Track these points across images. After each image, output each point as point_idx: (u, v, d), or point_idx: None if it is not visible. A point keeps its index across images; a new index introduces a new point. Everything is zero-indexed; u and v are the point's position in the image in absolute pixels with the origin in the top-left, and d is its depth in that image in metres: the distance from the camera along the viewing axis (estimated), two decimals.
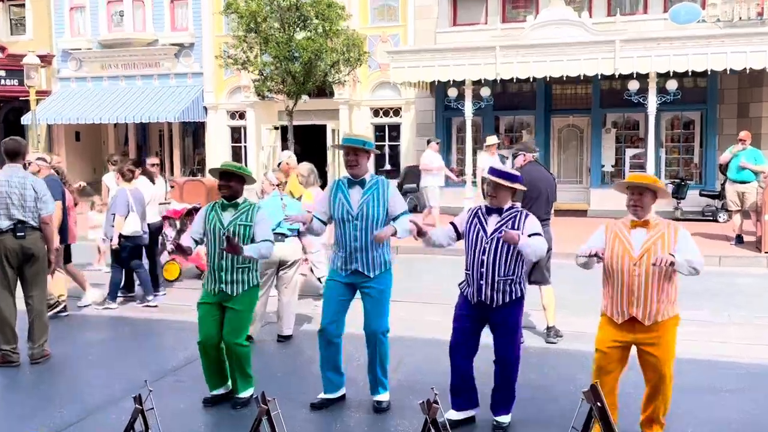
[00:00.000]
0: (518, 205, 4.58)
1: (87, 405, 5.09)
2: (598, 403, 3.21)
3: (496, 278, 4.40)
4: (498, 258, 4.39)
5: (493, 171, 4.50)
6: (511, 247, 4.35)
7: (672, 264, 3.91)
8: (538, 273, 6.53)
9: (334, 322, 4.88)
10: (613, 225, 4.21)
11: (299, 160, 8.74)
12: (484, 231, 4.43)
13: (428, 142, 14.38)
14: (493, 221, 4.44)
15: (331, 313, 4.88)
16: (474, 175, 14.73)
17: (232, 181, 4.96)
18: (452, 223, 4.68)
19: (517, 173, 4.60)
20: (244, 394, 5.10)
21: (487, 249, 4.39)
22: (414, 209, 16.06)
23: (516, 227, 4.37)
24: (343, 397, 5.10)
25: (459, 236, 4.63)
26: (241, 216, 4.96)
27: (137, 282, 8.49)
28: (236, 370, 5.08)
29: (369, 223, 4.74)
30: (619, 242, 4.09)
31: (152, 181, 8.86)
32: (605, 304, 4.24)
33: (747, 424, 4.60)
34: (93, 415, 4.89)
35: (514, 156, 6.81)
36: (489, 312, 4.48)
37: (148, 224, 8.36)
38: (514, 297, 4.45)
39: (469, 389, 4.65)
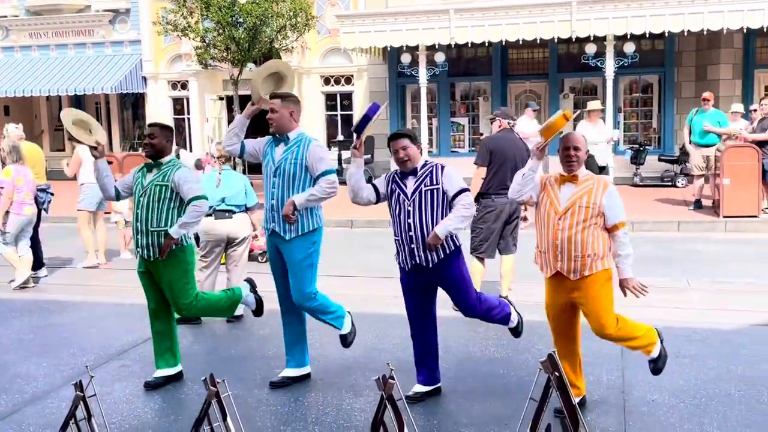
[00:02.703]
0: (430, 160, 4.51)
1: (24, 395, 4.81)
2: (556, 373, 3.21)
3: (426, 237, 4.29)
4: (423, 217, 4.30)
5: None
6: (435, 203, 4.30)
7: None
8: (502, 242, 6.41)
9: (282, 294, 4.79)
10: (546, 179, 4.20)
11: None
12: (405, 194, 4.35)
13: (525, 106, 13.53)
14: (411, 182, 4.36)
15: (276, 280, 4.81)
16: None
17: (155, 137, 4.78)
18: (373, 185, 4.51)
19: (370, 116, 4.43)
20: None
21: (411, 211, 4.31)
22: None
23: (435, 182, 4.31)
24: (307, 375, 4.93)
25: (379, 199, 4.50)
26: (159, 176, 4.75)
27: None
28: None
29: (286, 181, 4.59)
30: (547, 196, 4.11)
31: None
32: (537, 258, 4.23)
33: (706, 389, 4.60)
34: (32, 405, 4.62)
35: (491, 121, 6.69)
36: (429, 273, 4.37)
37: None
38: (448, 251, 4.35)
39: (432, 365, 4.55)
